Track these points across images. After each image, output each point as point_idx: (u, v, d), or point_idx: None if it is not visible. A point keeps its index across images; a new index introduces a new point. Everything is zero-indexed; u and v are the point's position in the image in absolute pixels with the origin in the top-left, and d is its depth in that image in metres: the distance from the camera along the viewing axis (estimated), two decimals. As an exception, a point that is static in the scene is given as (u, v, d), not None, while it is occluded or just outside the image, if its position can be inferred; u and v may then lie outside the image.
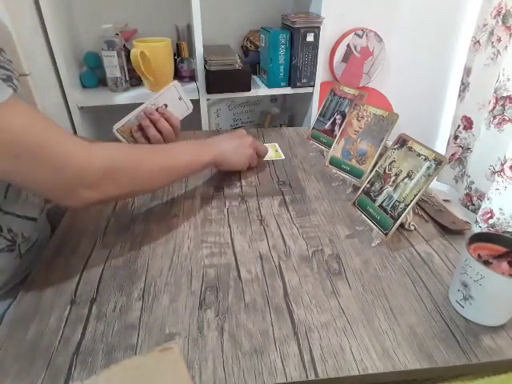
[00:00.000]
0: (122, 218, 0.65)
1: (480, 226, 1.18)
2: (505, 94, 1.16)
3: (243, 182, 0.76)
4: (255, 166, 0.80)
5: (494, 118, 1.20)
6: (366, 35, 1.46)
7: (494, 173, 1.23)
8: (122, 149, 0.55)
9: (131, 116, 0.74)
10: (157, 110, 0.75)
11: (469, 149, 1.42)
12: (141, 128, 0.74)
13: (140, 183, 0.55)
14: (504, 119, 1.18)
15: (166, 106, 0.76)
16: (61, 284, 0.51)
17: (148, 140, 0.75)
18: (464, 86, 1.40)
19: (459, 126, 1.43)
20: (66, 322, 0.46)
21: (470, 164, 1.36)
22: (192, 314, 0.47)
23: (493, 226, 1.15)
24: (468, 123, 1.40)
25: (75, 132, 1.14)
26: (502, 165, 1.09)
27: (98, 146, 0.50)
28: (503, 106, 1.17)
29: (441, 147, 1.65)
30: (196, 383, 0.39)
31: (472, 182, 1.35)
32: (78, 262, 0.55)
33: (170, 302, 0.48)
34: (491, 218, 1.15)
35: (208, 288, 0.51)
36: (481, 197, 1.32)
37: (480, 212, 1.18)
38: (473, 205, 1.37)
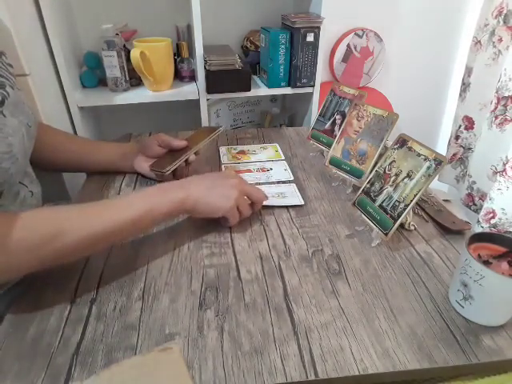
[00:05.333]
0: (122, 218, 0.65)
1: (482, 226, 1.18)
2: (506, 94, 1.15)
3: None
4: (247, 216, 0.63)
5: (496, 117, 1.20)
6: (366, 35, 1.46)
7: (495, 173, 1.23)
8: (39, 218, 0.47)
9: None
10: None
11: (470, 149, 1.42)
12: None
13: (62, 255, 0.47)
14: (506, 119, 1.18)
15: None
16: (61, 284, 0.51)
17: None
18: (465, 86, 1.40)
19: (460, 126, 1.43)
20: (66, 321, 0.46)
21: (472, 164, 1.35)
22: (192, 314, 0.47)
23: (495, 226, 1.15)
24: (469, 123, 1.40)
25: (75, 132, 1.14)
26: (504, 165, 1.09)
27: (15, 219, 0.44)
28: (505, 106, 1.17)
29: (442, 147, 1.65)
30: (196, 383, 0.39)
31: (474, 182, 1.35)
32: (78, 262, 0.55)
33: (170, 301, 0.48)
34: (493, 218, 1.15)
35: (208, 288, 0.51)
36: (483, 197, 1.32)
37: (482, 212, 1.18)
38: (474, 205, 1.37)
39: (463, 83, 1.41)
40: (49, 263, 0.47)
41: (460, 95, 1.43)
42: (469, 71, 1.37)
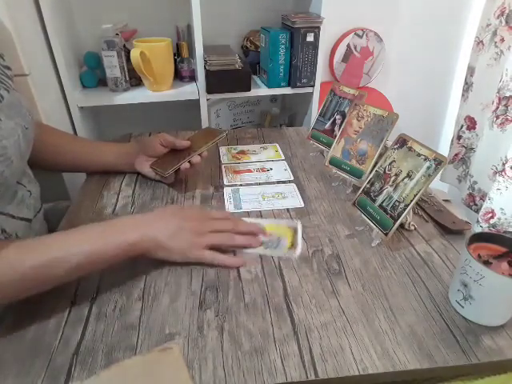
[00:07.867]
0: (122, 218, 0.65)
1: (481, 226, 1.18)
2: (508, 94, 1.15)
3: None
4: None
5: (497, 117, 1.20)
6: (366, 35, 1.46)
7: (496, 173, 1.23)
8: None
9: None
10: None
11: (472, 149, 1.42)
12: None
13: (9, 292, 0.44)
14: (507, 119, 1.18)
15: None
16: (61, 284, 0.51)
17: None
18: (467, 86, 1.39)
19: (462, 126, 1.43)
20: (66, 322, 0.46)
21: (474, 164, 1.35)
22: (192, 314, 0.47)
23: (494, 225, 1.15)
24: (471, 123, 1.40)
25: (75, 132, 1.14)
26: (504, 165, 1.09)
27: None
28: (506, 105, 1.17)
29: (444, 147, 1.64)
30: (196, 383, 0.39)
31: (475, 182, 1.35)
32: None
33: (170, 301, 0.48)
34: (492, 217, 1.15)
35: (208, 288, 0.51)
36: (483, 197, 1.32)
37: (481, 212, 1.18)
38: (475, 205, 1.37)
39: (466, 83, 1.41)
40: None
41: (463, 95, 1.43)
42: (471, 71, 1.37)
